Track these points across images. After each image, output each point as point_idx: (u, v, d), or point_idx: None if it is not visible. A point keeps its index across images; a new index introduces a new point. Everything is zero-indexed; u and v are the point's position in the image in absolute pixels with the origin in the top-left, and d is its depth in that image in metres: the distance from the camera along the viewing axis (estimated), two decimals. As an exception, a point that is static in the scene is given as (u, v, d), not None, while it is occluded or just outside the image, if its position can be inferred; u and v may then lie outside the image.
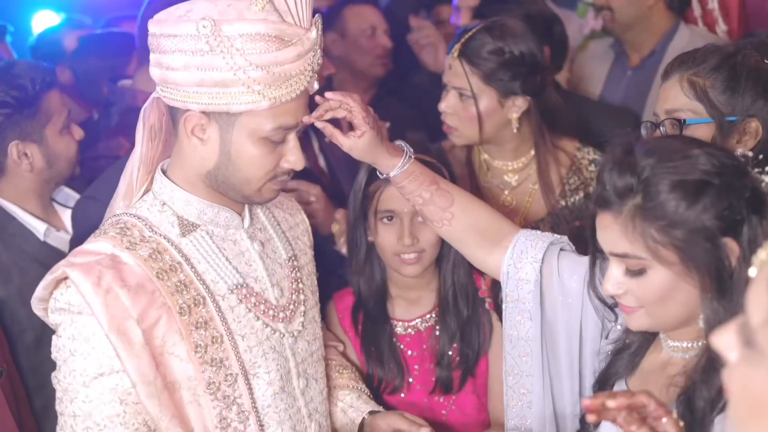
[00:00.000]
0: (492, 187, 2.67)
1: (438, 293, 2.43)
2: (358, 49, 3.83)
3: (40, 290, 1.75)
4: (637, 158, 1.59)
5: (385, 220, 2.34)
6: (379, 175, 2.00)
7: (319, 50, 1.74)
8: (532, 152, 2.64)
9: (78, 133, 2.58)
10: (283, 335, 1.91)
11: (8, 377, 2.22)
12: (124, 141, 3.04)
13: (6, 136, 2.42)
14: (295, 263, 2.01)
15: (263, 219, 1.99)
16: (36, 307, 1.77)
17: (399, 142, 1.98)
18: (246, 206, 1.91)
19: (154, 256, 1.76)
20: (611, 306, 1.84)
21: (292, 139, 1.78)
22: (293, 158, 1.78)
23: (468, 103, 2.51)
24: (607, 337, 1.90)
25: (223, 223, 1.86)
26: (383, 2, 4.73)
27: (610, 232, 1.62)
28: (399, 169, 1.94)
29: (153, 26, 1.74)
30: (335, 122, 1.91)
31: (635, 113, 3.38)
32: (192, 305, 1.77)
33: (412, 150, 1.97)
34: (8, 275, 2.41)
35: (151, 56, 1.76)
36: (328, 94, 1.83)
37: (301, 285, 2.00)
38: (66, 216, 2.61)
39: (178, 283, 1.76)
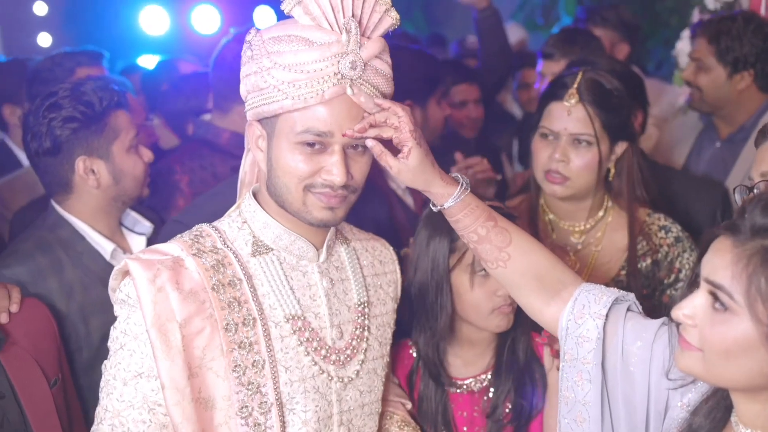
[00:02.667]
0: (556, 249, 2.58)
1: (495, 352, 2.35)
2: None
3: (111, 280, 1.83)
4: None
5: (482, 272, 2.23)
6: (432, 208, 1.90)
7: (351, 56, 1.72)
8: (601, 213, 2.57)
9: (147, 155, 2.63)
10: (332, 378, 1.87)
11: (62, 388, 2.26)
12: (179, 168, 3.15)
13: (73, 151, 2.48)
14: (366, 310, 1.97)
15: (344, 258, 1.97)
16: (112, 297, 1.84)
17: (455, 174, 1.89)
18: (326, 241, 1.91)
19: (216, 268, 1.79)
20: None
21: (337, 152, 1.75)
22: (335, 171, 1.75)
23: (586, 151, 2.43)
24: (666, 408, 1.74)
25: (296, 252, 1.87)
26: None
27: (720, 257, 1.49)
28: (455, 199, 1.83)
29: None
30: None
31: (721, 184, 3.25)
32: (240, 324, 1.77)
33: (468, 181, 1.87)
34: (71, 292, 2.47)
35: None
36: (376, 101, 1.77)
37: (366, 333, 1.95)
38: (133, 241, 2.67)
39: (232, 300, 1.78)
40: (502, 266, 1.88)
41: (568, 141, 2.44)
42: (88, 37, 8.19)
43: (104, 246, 2.56)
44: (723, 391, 1.62)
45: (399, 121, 1.77)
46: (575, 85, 2.43)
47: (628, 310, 1.84)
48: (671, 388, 1.73)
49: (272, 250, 1.86)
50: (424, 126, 3.23)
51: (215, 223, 1.89)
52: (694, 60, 3.43)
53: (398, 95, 3.09)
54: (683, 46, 3.97)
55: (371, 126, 1.76)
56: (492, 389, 2.33)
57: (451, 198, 1.84)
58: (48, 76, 3.60)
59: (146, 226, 2.72)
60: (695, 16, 3.92)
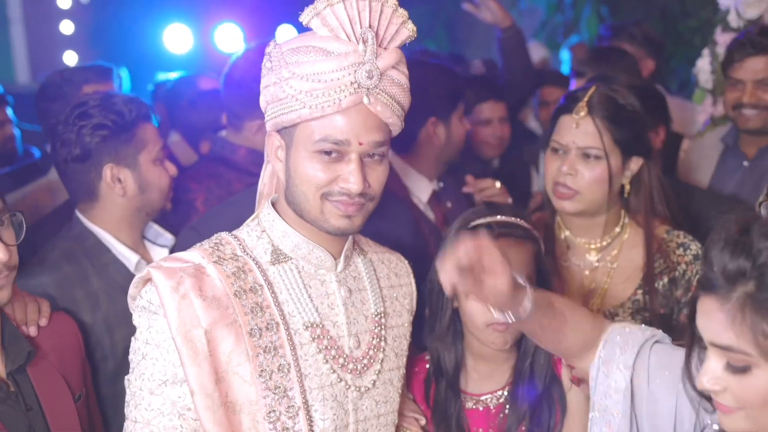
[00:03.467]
0: (571, 266, 2.55)
1: (513, 370, 2.31)
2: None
3: (131, 288, 1.83)
4: (755, 239, 1.40)
5: None
6: (510, 320, 1.80)
7: (368, 65, 1.74)
8: (617, 230, 2.53)
9: (171, 168, 2.66)
10: (349, 387, 1.87)
11: (85, 402, 2.27)
12: (194, 186, 3.17)
13: (102, 158, 2.53)
14: (383, 320, 1.97)
15: (361, 269, 1.98)
16: (131, 305, 1.84)
17: (519, 278, 1.79)
18: (344, 251, 1.92)
19: (237, 274, 1.81)
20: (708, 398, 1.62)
21: (354, 161, 1.78)
22: (352, 179, 1.77)
23: (595, 164, 2.40)
24: None
25: (315, 261, 1.88)
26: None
27: (714, 320, 1.45)
28: (532, 303, 1.75)
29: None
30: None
31: (750, 204, 3.19)
32: (264, 329, 1.79)
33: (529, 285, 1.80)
34: (97, 302, 2.49)
35: None
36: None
37: (383, 343, 1.95)
38: (155, 253, 2.69)
39: (255, 305, 1.79)
40: (556, 344, 1.90)
41: (576, 154, 2.42)
42: (113, 55, 8.28)
43: (129, 257, 2.58)
44: None
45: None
46: (585, 99, 2.41)
47: (656, 342, 1.82)
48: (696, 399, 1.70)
49: (291, 258, 1.87)
50: (446, 142, 3.21)
51: (234, 232, 1.91)
52: (755, 81, 3.33)
53: (422, 111, 3.10)
54: (704, 64, 3.93)
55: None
56: (508, 406, 2.29)
57: (531, 303, 1.75)
58: (55, 92, 3.59)
59: (168, 238, 2.73)
60: (718, 34, 3.88)
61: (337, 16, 1.72)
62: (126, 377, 1.80)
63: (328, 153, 1.76)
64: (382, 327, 1.96)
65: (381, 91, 1.76)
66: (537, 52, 5.92)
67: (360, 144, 1.76)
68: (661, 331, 1.86)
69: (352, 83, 1.73)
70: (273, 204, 1.92)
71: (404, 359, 2.04)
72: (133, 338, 1.80)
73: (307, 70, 1.72)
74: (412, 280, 2.13)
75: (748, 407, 1.46)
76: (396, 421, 2.02)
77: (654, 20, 6.21)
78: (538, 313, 1.78)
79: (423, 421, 2.27)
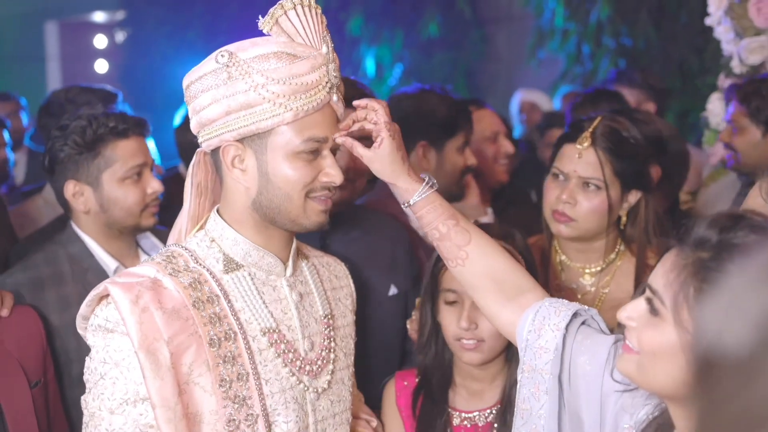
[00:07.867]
0: (564, 289, 2.58)
1: (503, 390, 2.32)
2: (479, 154, 3.78)
3: (83, 307, 1.82)
4: (737, 224, 1.45)
5: (448, 298, 2.28)
6: (403, 206, 1.97)
7: (333, 65, 1.83)
8: (612, 256, 2.56)
9: (152, 186, 2.62)
10: (307, 389, 1.91)
11: (43, 390, 2.32)
12: None
13: (65, 173, 2.58)
14: (331, 322, 2.02)
15: (306, 273, 2.02)
16: (79, 325, 1.84)
17: (423, 174, 1.97)
18: (291, 256, 1.95)
19: (194, 286, 1.82)
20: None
21: (328, 155, 1.85)
22: (332, 172, 1.84)
23: (594, 195, 2.44)
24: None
25: (266, 267, 1.91)
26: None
27: (662, 264, 1.52)
28: (419, 195, 1.91)
29: (184, 81, 1.86)
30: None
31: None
32: (223, 338, 1.80)
33: (434, 181, 1.95)
34: (67, 304, 2.50)
35: (188, 110, 1.87)
36: (354, 102, 1.91)
37: (333, 344, 2.00)
38: None
39: (213, 315, 1.81)
40: (460, 264, 1.93)
41: (577, 183, 2.46)
42: (143, 92, 8.51)
43: (108, 263, 2.62)
44: (667, 411, 1.61)
45: (376, 115, 1.89)
46: (590, 129, 2.46)
47: (583, 323, 1.85)
48: (617, 390, 1.73)
49: (243, 266, 1.89)
50: (438, 170, 3.23)
51: (183, 244, 1.92)
52: (730, 123, 3.46)
53: (413, 135, 3.16)
54: (713, 107, 3.98)
55: (354, 122, 1.89)
56: (496, 425, 2.31)
57: (416, 194, 1.92)
58: (57, 109, 3.64)
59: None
60: (721, 79, 3.94)
61: (291, 22, 1.80)
62: (82, 397, 1.78)
63: (311, 152, 1.82)
64: (331, 328, 2.01)
65: (338, 89, 1.86)
66: (529, 97, 6.03)
67: (333, 139, 1.85)
68: (595, 310, 1.87)
69: (327, 82, 1.81)
70: (218, 213, 1.93)
71: (352, 358, 2.09)
72: (87, 358, 1.78)
73: (283, 73, 1.76)
74: (350, 282, 2.18)
75: (642, 354, 1.52)
76: (350, 419, 2.06)
77: (672, 75, 6.24)
78: (430, 212, 1.92)
79: (374, 423, 2.30)
